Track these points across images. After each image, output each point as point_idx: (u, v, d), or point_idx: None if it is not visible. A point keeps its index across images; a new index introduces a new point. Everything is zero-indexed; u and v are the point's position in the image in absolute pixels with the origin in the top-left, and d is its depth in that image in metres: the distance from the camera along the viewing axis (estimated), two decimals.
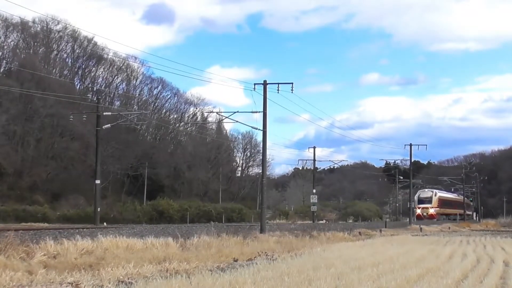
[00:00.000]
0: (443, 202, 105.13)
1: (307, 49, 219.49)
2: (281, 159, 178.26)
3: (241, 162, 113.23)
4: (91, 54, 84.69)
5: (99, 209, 46.91)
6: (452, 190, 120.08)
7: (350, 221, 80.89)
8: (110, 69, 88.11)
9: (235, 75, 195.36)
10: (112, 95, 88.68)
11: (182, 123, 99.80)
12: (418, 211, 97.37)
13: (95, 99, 65.17)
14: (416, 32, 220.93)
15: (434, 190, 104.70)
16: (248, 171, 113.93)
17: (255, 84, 41.46)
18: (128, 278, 16.74)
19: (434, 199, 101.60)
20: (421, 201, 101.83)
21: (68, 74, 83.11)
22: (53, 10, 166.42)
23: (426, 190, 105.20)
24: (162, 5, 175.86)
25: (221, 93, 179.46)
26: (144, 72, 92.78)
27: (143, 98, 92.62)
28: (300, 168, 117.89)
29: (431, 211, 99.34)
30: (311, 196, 71.79)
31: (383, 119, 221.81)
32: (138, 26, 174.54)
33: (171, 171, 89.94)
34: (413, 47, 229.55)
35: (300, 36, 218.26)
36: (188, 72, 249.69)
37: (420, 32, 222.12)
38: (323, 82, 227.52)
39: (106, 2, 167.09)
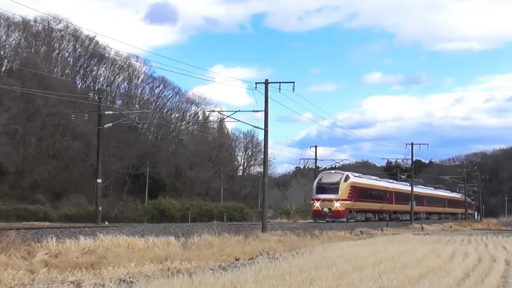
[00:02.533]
0: (360, 192, 63.34)
1: (310, 49, 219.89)
2: (282, 158, 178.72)
3: (242, 161, 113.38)
4: (92, 53, 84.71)
5: (100, 208, 46.92)
6: (457, 190, 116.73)
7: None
8: (112, 68, 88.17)
9: (238, 74, 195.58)
10: (113, 94, 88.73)
11: (184, 122, 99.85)
12: (317, 204, 59.16)
13: (96, 98, 65.17)
14: (418, 32, 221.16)
15: (346, 173, 63.40)
16: (249, 170, 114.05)
17: (256, 83, 41.51)
18: (130, 277, 16.74)
19: (343, 187, 59.78)
20: (321, 188, 60.30)
21: (69, 73, 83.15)
22: (56, 9, 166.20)
23: (333, 172, 65.55)
24: (165, 5, 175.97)
25: (224, 93, 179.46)
26: (146, 71, 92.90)
27: (145, 97, 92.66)
28: (302, 167, 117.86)
29: (337, 205, 58.55)
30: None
31: (385, 118, 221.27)
32: (141, 26, 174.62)
33: (173, 170, 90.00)
34: (416, 47, 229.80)
35: (303, 35, 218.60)
36: (191, 71, 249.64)
37: (422, 31, 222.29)
38: (326, 81, 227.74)
39: (109, 2, 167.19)
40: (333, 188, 59.12)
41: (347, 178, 60.97)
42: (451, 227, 79.45)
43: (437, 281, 15.60)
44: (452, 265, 21.15)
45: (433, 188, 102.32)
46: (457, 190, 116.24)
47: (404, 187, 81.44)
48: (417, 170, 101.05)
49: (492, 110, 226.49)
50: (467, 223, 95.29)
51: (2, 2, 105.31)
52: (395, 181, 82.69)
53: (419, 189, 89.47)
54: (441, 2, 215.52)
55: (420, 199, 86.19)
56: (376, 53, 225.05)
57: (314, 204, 59.60)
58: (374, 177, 74.70)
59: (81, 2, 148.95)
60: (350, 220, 59.62)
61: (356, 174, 67.53)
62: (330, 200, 58.57)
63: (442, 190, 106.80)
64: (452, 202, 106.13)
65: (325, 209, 58.38)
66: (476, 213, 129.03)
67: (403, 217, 77.65)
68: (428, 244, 35.30)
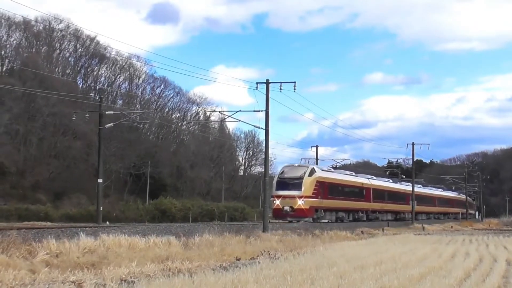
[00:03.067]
0: (328, 188, 55.17)
1: (311, 49, 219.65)
2: (284, 158, 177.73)
3: (243, 161, 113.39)
4: (93, 53, 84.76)
5: (101, 208, 46.90)
6: (452, 188, 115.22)
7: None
8: (113, 68, 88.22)
9: (239, 74, 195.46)
10: (114, 94, 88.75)
11: (185, 122, 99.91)
12: (277, 202, 51.19)
13: (97, 98, 65.20)
14: (420, 32, 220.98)
15: (311, 166, 56.07)
16: (250, 170, 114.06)
17: (257, 83, 41.49)
18: (131, 277, 16.75)
19: (307, 182, 51.91)
20: (282, 184, 52.33)
21: (70, 73, 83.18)
22: (58, 10, 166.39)
23: (296, 165, 56.61)
24: (166, 5, 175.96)
25: (226, 93, 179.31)
26: (147, 71, 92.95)
27: (146, 97, 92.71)
28: None
29: (300, 203, 50.94)
30: None
31: (387, 118, 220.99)
32: (142, 26, 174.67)
33: (174, 170, 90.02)
34: (417, 47, 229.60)
35: (304, 36, 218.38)
36: (193, 71, 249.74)
37: (424, 32, 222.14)
38: (327, 81, 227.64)
39: (111, 2, 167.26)
40: (296, 183, 51.50)
41: (312, 172, 52.96)
42: (452, 227, 79.45)
43: (438, 281, 15.60)
44: (453, 265, 21.15)
45: (428, 187, 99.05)
46: (453, 188, 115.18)
47: (384, 183, 74.28)
48: (418, 170, 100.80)
49: (493, 110, 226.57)
50: (468, 223, 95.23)
51: (3, 2, 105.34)
52: (374, 177, 74.14)
53: (406, 187, 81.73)
54: (443, 2, 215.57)
55: (407, 198, 79.58)
56: (378, 53, 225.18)
57: (274, 201, 51.17)
58: (348, 172, 66.61)
59: (83, 2, 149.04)
60: (322, 221, 52.81)
61: (325, 168, 61.23)
62: (292, 197, 50.97)
63: (436, 189, 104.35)
64: (446, 202, 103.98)
65: (286, 208, 50.86)
66: (477, 213, 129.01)
67: (384, 217, 69.93)
68: (429, 244, 35.30)
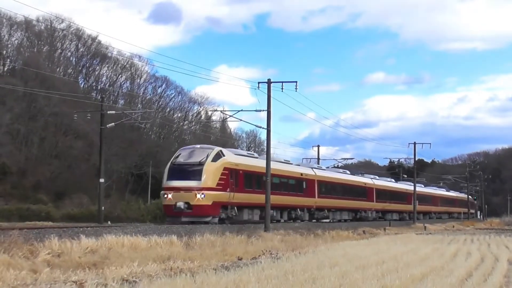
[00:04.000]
0: (244, 178, 42.45)
1: (313, 49, 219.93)
2: (285, 158, 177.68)
3: None
4: (95, 52, 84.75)
5: (103, 207, 46.95)
6: (446, 187, 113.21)
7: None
8: (114, 67, 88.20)
9: (242, 74, 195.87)
10: (116, 94, 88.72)
11: (186, 121, 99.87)
12: (169, 196, 38.44)
13: (99, 97, 65.16)
14: (422, 32, 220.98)
15: (217, 148, 42.06)
16: None
17: (259, 82, 41.55)
18: (133, 277, 16.76)
19: (211, 169, 39.04)
20: (176, 172, 39.45)
21: (72, 73, 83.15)
22: (61, 10, 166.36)
23: (198, 146, 42.60)
24: (169, 5, 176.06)
25: (228, 92, 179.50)
26: (148, 71, 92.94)
27: (147, 97, 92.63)
28: None
29: (199, 197, 37.95)
30: None
31: (388, 118, 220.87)
32: (144, 26, 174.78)
33: None
34: (420, 47, 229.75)
35: (306, 36, 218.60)
36: (195, 71, 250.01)
37: (426, 31, 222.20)
38: (329, 81, 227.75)
39: (113, 2, 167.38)
40: (194, 171, 38.22)
41: (218, 156, 39.54)
42: (453, 226, 79.44)
43: (440, 281, 15.58)
44: (455, 264, 21.14)
45: (429, 187, 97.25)
46: (446, 187, 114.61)
47: (334, 174, 61.66)
48: (419, 170, 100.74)
49: (495, 110, 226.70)
50: (470, 223, 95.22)
51: (5, 2, 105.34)
52: (322, 167, 63.78)
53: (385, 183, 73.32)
54: (445, 2, 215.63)
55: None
56: (380, 53, 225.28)
57: (166, 196, 38.50)
58: (278, 159, 52.88)
59: (86, 2, 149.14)
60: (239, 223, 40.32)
61: (244, 153, 48.05)
62: (189, 190, 37.53)
63: (439, 189, 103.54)
64: (448, 201, 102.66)
65: (180, 204, 37.29)
66: (479, 213, 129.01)
67: (337, 216, 58.13)
68: (430, 243, 35.30)
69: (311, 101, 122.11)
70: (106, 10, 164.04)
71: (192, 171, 38.45)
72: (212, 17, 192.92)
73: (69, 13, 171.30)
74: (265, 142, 44.32)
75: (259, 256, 24.65)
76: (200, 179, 37.88)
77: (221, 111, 50.56)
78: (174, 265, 19.96)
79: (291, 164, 54.27)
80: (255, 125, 52.20)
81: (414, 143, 78.12)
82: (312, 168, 56.58)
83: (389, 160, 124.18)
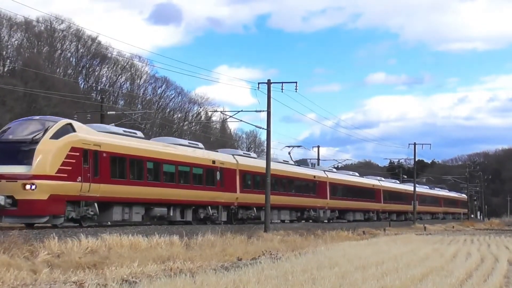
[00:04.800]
0: (119, 165, 30.92)
1: (314, 49, 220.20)
2: (285, 158, 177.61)
3: None
4: (95, 53, 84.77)
5: None
6: (443, 187, 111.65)
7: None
8: (114, 68, 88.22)
9: (242, 75, 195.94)
10: (116, 95, 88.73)
11: (186, 122, 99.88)
12: None
13: (99, 98, 65.20)
14: (423, 32, 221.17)
15: (63, 120, 29.00)
16: None
17: (259, 83, 41.57)
18: (132, 277, 16.77)
19: (49, 149, 26.74)
20: None
21: (72, 73, 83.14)
22: (61, 10, 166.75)
23: (36, 118, 29.73)
24: (169, 5, 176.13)
25: (228, 93, 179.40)
26: (148, 71, 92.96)
27: (147, 98, 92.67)
28: None
29: (29, 188, 25.67)
30: None
31: (389, 119, 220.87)
32: (145, 26, 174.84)
33: None
34: (420, 47, 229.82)
35: (307, 36, 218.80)
36: (195, 72, 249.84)
37: (427, 32, 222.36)
38: (330, 81, 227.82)
39: (114, 2, 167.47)
40: (23, 151, 26.96)
41: (64, 131, 28.12)
42: (453, 227, 79.43)
43: (439, 281, 15.58)
44: (455, 265, 21.13)
45: (424, 187, 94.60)
46: (442, 187, 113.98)
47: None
48: (419, 170, 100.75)
49: (496, 110, 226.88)
50: (470, 223, 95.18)
51: (5, 2, 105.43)
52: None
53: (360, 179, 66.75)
54: (446, 2, 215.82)
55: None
56: (380, 54, 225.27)
57: None
58: (181, 141, 41.64)
59: (86, 3, 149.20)
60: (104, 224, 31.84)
61: (118, 130, 33.96)
62: (13, 179, 26.24)
63: (440, 189, 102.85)
64: (449, 202, 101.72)
65: (1, 198, 25.64)
66: (479, 213, 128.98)
67: (284, 215, 49.40)
68: (430, 244, 35.28)
69: (312, 101, 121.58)
70: (107, 10, 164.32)
71: (19, 152, 26.98)
72: (212, 17, 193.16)
73: (70, 14, 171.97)
74: (265, 142, 44.36)
75: (259, 256, 24.65)
76: (30, 163, 26.42)
77: (221, 111, 50.62)
78: (174, 265, 19.97)
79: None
80: (255, 126, 52.40)
81: (414, 144, 78.15)
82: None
83: (389, 160, 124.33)
